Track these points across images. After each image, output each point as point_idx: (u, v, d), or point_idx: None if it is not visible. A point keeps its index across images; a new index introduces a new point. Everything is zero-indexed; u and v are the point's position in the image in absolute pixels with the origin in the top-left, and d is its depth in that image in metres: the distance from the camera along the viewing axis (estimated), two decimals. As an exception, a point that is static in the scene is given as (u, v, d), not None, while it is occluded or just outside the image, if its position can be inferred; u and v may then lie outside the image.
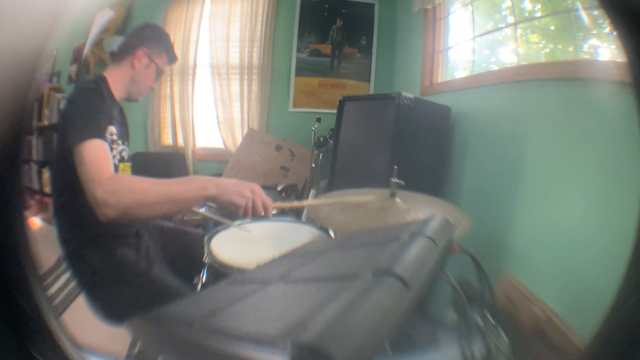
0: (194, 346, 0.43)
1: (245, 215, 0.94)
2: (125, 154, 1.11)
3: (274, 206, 0.97)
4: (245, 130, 1.72)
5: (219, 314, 0.49)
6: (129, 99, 1.16)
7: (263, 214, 0.94)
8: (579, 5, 1.10)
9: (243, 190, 0.91)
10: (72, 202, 0.94)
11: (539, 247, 1.08)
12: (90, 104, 0.99)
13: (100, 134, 0.97)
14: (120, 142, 1.08)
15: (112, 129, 1.05)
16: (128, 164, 1.12)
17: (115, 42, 1.28)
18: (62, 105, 1.13)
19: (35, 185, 1.07)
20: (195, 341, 0.44)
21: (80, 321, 0.84)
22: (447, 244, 0.60)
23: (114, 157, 1.05)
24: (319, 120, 1.69)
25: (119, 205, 0.85)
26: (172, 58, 1.21)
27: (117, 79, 1.10)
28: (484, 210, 1.25)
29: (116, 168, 1.06)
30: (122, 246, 1.05)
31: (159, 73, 1.17)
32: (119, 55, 1.13)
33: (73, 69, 1.19)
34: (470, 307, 0.73)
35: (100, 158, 0.93)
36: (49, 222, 1.02)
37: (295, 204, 1.10)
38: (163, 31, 1.26)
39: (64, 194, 0.96)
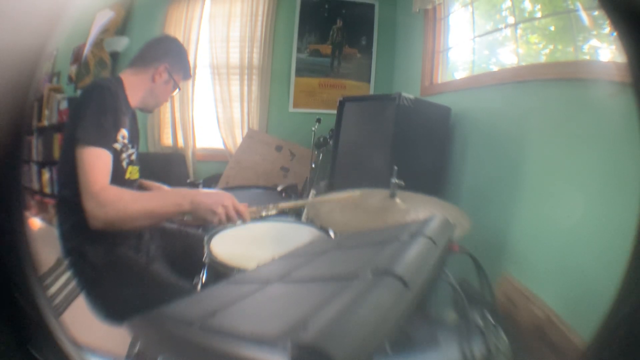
0: (194, 346, 0.43)
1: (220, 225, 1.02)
2: (134, 157, 1.12)
3: (249, 214, 1.02)
4: (245, 131, 1.72)
5: (218, 314, 0.49)
6: (144, 109, 1.19)
7: (238, 222, 1.01)
8: (579, 5, 1.10)
9: (215, 207, 0.97)
10: (76, 198, 0.94)
11: (539, 247, 1.08)
12: (106, 104, 1.01)
13: (107, 143, 0.99)
14: (130, 145, 1.09)
15: (124, 132, 1.06)
16: (136, 167, 1.14)
17: (115, 43, 1.28)
18: (76, 98, 1.14)
19: (35, 185, 1.08)
20: (195, 341, 0.44)
21: (80, 321, 0.84)
22: (447, 244, 0.60)
23: (122, 160, 1.07)
24: (319, 120, 1.69)
25: (106, 218, 0.92)
26: (187, 75, 1.24)
27: (134, 86, 1.11)
28: (484, 210, 1.25)
29: (125, 171, 1.09)
30: (123, 246, 1.05)
31: (175, 89, 1.19)
32: (139, 64, 1.14)
33: (73, 69, 1.19)
34: (470, 307, 0.73)
35: (98, 169, 0.96)
36: (48, 222, 1.02)
37: (270, 207, 1.12)
38: (184, 48, 1.28)
39: (69, 186, 0.97)
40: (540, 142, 1.15)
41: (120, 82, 1.09)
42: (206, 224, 1.03)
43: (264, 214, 1.08)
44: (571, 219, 0.97)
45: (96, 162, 0.96)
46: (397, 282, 0.42)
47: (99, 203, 0.92)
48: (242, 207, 1.00)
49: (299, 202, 1.21)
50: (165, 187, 1.25)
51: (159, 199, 0.98)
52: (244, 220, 1.01)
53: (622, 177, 0.85)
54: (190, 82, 1.64)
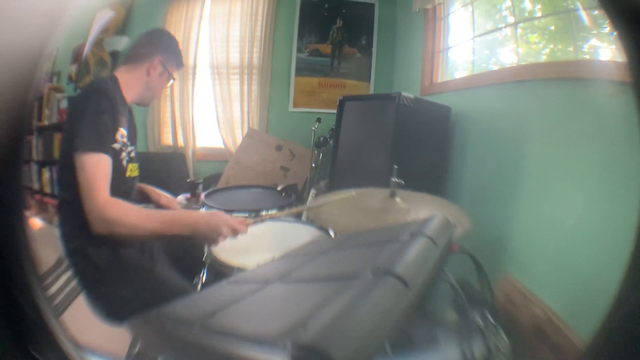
0: (194, 346, 0.43)
1: None
2: (133, 154, 1.13)
3: (248, 223, 1.05)
4: (245, 130, 1.72)
5: (219, 314, 0.49)
6: (140, 103, 1.19)
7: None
8: (579, 5, 1.10)
9: (215, 237, 1.00)
10: (78, 200, 0.95)
11: (539, 247, 1.08)
12: (103, 107, 1.01)
13: (106, 148, 1.00)
14: (129, 143, 1.10)
15: (123, 131, 1.07)
16: (136, 165, 1.15)
17: (115, 42, 1.28)
18: (74, 100, 1.15)
19: (35, 185, 1.07)
20: (195, 341, 0.44)
21: (80, 321, 0.84)
22: (447, 243, 0.60)
23: (122, 159, 1.08)
24: (319, 120, 1.68)
25: (109, 231, 0.94)
26: (179, 65, 1.24)
27: (130, 83, 1.12)
28: (484, 210, 1.24)
29: (126, 169, 1.10)
30: (126, 245, 1.05)
31: (169, 79, 1.20)
32: (133, 60, 1.15)
33: (73, 69, 1.19)
34: (470, 307, 0.73)
35: (99, 176, 0.97)
36: (49, 222, 1.02)
37: (266, 215, 1.14)
38: (174, 38, 1.28)
39: (70, 189, 0.97)
40: (540, 141, 1.15)
41: (115, 81, 1.09)
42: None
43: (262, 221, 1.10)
44: (571, 218, 0.97)
45: (96, 169, 0.97)
46: (397, 282, 0.42)
47: (103, 218, 0.93)
48: (242, 228, 1.03)
49: (294, 210, 1.24)
50: (164, 194, 1.26)
51: (165, 225, 1.00)
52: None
53: (622, 176, 0.85)
54: (190, 79, 1.64)
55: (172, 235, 1.01)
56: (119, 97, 1.07)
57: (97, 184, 0.95)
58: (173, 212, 1.20)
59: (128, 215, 0.96)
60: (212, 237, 1.00)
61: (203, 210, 1.36)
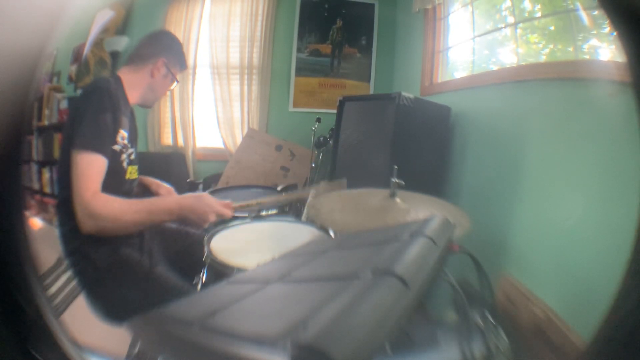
0: (194, 346, 0.43)
1: None
2: (133, 157, 1.13)
3: (233, 207, 1.10)
4: (245, 130, 1.72)
5: (218, 314, 0.48)
6: (143, 105, 1.20)
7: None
8: (579, 5, 1.10)
9: (200, 222, 1.04)
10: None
11: (539, 247, 1.08)
12: (105, 107, 1.01)
13: (103, 149, 1.00)
14: (129, 145, 1.10)
15: (124, 132, 1.07)
16: (135, 167, 1.15)
17: (115, 42, 1.28)
18: (76, 99, 1.15)
19: (35, 185, 1.08)
20: (195, 341, 0.44)
21: (80, 321, 0.84)
22: (447, 244, 0.60)
23: (122, 160, 1.08)
24: (319, 120, 1.69)
25: (96, 228, 0.95)
26: (183, 67, 1.25)
27: (133, 84, 1.12)
28: (484, 210, 1.25)
29: (126, 171, 1.10)
30: (125, 245, 1.05)
31: (173, 81, 1.20)
32: (137, 61, 1.15)
33: (73, 69, 1.19)
34: (470, 307, 0.73)
35: (91, 174, 0.97)
36: (49, 222, 1.02)
37: (253, 202, 1.17)
38: (178, 40, 1.29)
39: (69, 188, 0.97)
40: (540, 141, 1.15)
41: (119, 81, 1.09)
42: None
43: (248, 207, 1.11)
44: (571, 218, 0.97)
45: (89, 168, 0.97)
46: (397, 282, 0.42)
47: (88, 213, 0.94)
48: (227, 212, 1.06)
49: (283, 197, 1.27)
50: (164, 185, 1.26)
51: (147, 214, 1.01)
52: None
53: (622, 176, 0.85)
54: (190, 79, 1.64)
55: (159, 223, 1.02)
56: (122, 97, 1.07)
57: (87, 182, 0.95)
58: (157, 198, 1.19)
59: (112, 207, 0.96)
60: (198, 222, 1.02)
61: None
